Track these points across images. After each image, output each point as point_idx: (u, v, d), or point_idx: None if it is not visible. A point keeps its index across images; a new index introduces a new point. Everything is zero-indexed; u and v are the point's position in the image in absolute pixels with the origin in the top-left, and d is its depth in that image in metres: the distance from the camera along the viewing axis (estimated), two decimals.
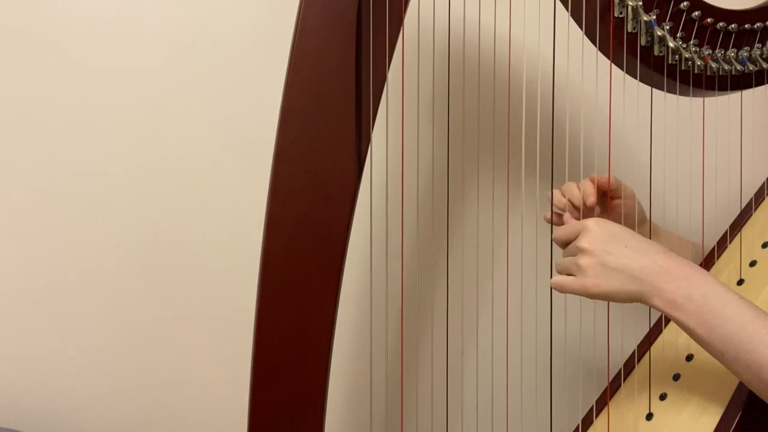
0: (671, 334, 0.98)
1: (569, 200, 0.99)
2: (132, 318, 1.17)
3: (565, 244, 0.87)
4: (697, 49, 0.90)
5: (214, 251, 1.19)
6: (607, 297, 0.83)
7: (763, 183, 1.07)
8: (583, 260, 0.82)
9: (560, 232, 0.88)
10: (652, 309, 0.98)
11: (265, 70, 1.13)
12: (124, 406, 1.18)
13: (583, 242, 0.83)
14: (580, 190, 0.98)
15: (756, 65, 0.92)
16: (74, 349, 1.16)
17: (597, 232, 0.83)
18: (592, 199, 0.96)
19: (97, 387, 1.17)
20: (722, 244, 1.02)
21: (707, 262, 1.00)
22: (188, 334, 1.19)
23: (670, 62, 0.90)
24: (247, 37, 1.16)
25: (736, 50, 0.92)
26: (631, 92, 0.91)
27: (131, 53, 1.14)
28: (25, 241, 1.13)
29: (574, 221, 0.88)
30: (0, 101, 1.11)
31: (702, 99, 0.94)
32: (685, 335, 0.95)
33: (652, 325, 1.00)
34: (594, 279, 0.82)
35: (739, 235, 1.01)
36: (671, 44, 0.89)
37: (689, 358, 0.94)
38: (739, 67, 0.91)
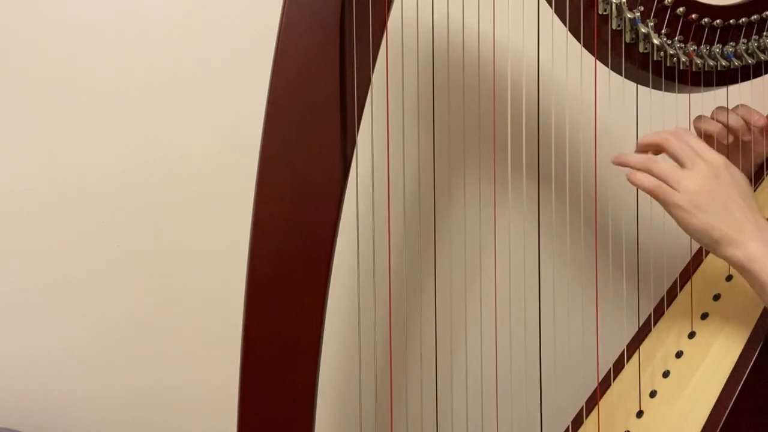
0: (661, 331, 0.98)
1: (726, 125, 0.93)
2: (132, 318, 1.17)
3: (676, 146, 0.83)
4: (682, 46, 0.90)
5: (214, 251, 1.19)
6: (689, 225, 0.81)
7: (750, 179, 1.06)
8: (696, 175, 0.81)
9: (681, 136, 0.84)
10: (641, 307, 0.98)
11: (265, 71, 1.13)
12: (124, 406, 1.18)
13: (710, 155, 0.82)
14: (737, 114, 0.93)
15: (741, 61, 0.91)
16: (74, 349, 1.16)
17: (728, 165, 0.82)
18: (763, 121, 0.93)
19: (97, 387, 1.17)
20: None
21: (695, 260, 1.00)
22: (189, 334, 1.20)
23: (655, 59, 0.89)
24: (248, 38, 1.16)
25: (721, 46, 0.91)
26: (617, 89, 0.91)
27: (131, 53, 1.14)
28: (25, 241, 1.13)
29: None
30: (0, 101, 1.12)
31: (688, 95, 0.94)
32: (674, 333, 0.96)
33: (641, 323, 1.00)
34: (693, 202, 0.80)
35: None
36: (656, 41, 0.88)
37: (679, 354, 0.94)
38: (724, 63, 0.91)
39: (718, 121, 0.95)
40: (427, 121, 1.15)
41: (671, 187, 0.82)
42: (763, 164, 1.01)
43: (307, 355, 0.84)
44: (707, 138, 0.95)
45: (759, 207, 0.96)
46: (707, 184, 0.81)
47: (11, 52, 1.11)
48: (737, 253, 0.80)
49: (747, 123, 0.94)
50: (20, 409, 1.14)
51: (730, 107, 0.96)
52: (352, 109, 0.83)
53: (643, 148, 0.87)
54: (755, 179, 1.00)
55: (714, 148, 0.93)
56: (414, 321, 1.23)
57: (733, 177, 0.83)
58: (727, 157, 0.93)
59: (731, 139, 0.96)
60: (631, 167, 0.84)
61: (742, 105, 0.96)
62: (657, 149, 0.86)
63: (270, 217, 0.84)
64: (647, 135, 0.86)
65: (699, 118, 0.96)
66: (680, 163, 0.83)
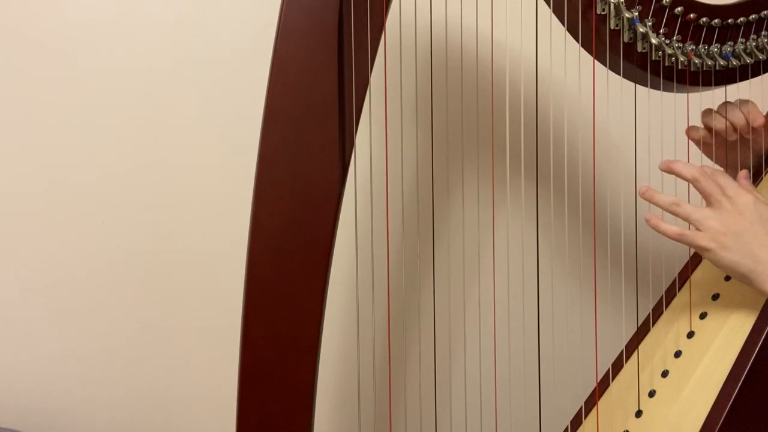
0: (659, 331, 0.98)
1: (731, 123, 0.95)
2: (132, 318, 1.18)
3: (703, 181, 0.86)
4: (681, 45, 0.90)
5: (214, 251, 1.19)
6: (718, 262, 0.85)
7: (750, 171, 1.06)
8: (720, 214, 0.84)
9: (710, 175, 0.86)
10: (640, 307, 0.98)
11: (264, 72, 1.14)
12: (124, 406, 1.19)
13: (735, 193, 0.84)
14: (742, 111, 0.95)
15: (740, 60, 0.91)
16: (74, 349, 1.16)
17: (755, 203, 0.85)
18: (760, 120, 0.94)
19: (97, 387, 1.17)
20: None
21: (694, 260, 1.00)
22: (188, 334, 1.20)
23: (653, 59, 0.89)
24: (247, 38, 1.16)
25: (719, 45, 0.91)
26: (615, 89, 0.91)
27: (131, 53, 1.14)
28: (25, 241, 1.14)
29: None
30: (0, 101, 1.12)
31: (686, 95, 0.93)
32: (673, 332, 0.96)
33: (640, 323, 0.99)
34: (719, 242, 0.84)
35: None
36: (654, 41, 0.88)
37: (678, 354, 0.94)
38: (722, 63, 0.91)
39: (723, 117, 0.96)
40: (426, 121, 1.15)
41: (697, 228, 0.86)
42: (762, 160, 1.01)
43: (306, 354, 0.84)
44: (711, 132, 0.96)
45: None
46: (732, 223, 0.85)
47: (11, 52, 1.12)
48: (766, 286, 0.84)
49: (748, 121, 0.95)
50: (20, 409, 1.15)
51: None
52: (350, 110, 0.83)
53: (669, 172, 0.89)
54: (754, 177, 1.00)
55: (715, 142, 0.94)
56: (413, 321, 1.23)
57: (760, 214, 0.85)
58: (727, 151, 0.94)
59: (734, 136, 0.96)
60: (659, 206, 0.88)
61: (743, 101, 0.96)
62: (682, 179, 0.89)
63: (269, 217, 0.84)
64: (678, 164, 0.88)
65: (705, 112, 0.97)
66: (707, 201, 0.87)
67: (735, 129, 0.96)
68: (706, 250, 0.85)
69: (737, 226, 0.84)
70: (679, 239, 0.87)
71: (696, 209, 0.87)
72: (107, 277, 1.17)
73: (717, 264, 0.86)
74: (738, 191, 0.86)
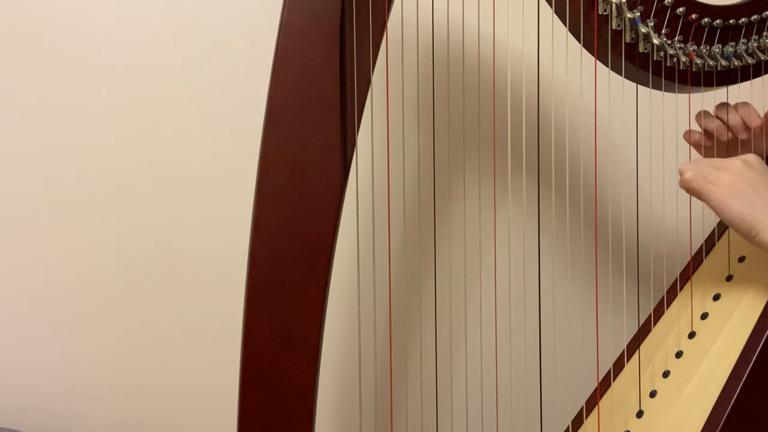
0: (661, 331, 0.98)
1: (726, 124, 0.96)
2: (132, 318, 1.18)
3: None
4: (682, 46, 0.90)
5: (215, 252, 1.19)
6: (723, 213, 0.85)
7: None
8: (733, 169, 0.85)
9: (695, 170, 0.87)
10: (641, 307, 0.98)
11: (265, 71, 1.14)
12: (124, 406, 1.19)
13: (724, 164, 0.85)
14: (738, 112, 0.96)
15: (741, 61, 0.91)
16: (74, 349, 1.16)
17: (758, 161, 0.86)
18: (757, 122, 0.95)
19: (97, 387, 1.17)
20: (710, 241, 1.02)
21: (695, 260, 1.00)
22: (189, 335, 1.20)
23: (655, 59, 0.89)
24: (248, 38, 1.16)
25: (721, 46, 0.91)
26: (617, 89, 0.91)
27: (132, 54, 1.14)
28: (25, 242, 1.14)
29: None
30: (0, 101, 1.12)
31: (687, 95, 0.94)
32: (674, 333, 0.96)
33: (641, 323, 1.00)
34: (728, 189, 0.84)
35: (726, 232, 1.01)
36: (656, 41, 0.88)
37: (679, 354, 0.94)
38: (724, 63, 0.91)
39: (718, 117, 0.96)
40: (427, 121, 1.15)
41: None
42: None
43: (307, 355, 0.84)
44: (707, 134, 0.96)
45: None
46: (731, 182, 0.84)
47: (12, 52, 1.11)
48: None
49: (745, 122, 0.95)
50: (20, 409, 1.15)
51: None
52: (352, 110, 0.83)
53: None
54: None
55: (713, 144, 0.94)
56: (414, 321, 1.23)
57: (757, 171, 0.85)
58: (727, 152, 0.94)
59: (730, 135, 0.96)
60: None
61: (743, 103, 0.97)
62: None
63: (270, 216, 0.84)
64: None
65: (700, 114, 0.97)
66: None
67: (730, 130, 0.96)
68: (716, 195, 0.85)
69: (736, 185, 0.85)
70: (691, 183, 0.86)
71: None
72: (107, 277, 1.17)
73: (725, 215, 0.86)
74: (725, 161, 0.86)
